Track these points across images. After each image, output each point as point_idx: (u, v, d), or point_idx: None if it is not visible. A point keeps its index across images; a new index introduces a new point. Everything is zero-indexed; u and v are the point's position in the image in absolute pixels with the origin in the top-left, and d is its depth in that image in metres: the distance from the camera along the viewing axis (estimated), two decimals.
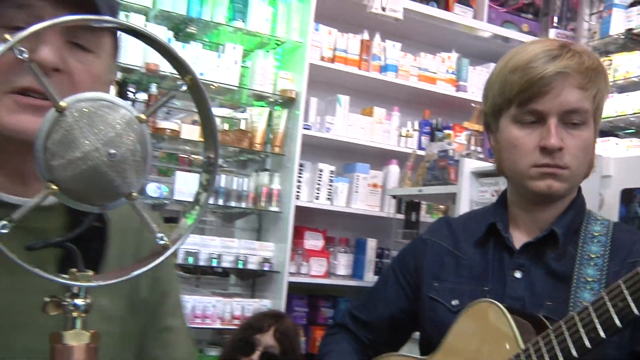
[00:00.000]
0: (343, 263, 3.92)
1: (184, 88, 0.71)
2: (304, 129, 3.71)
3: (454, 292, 1.37)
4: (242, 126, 3.70)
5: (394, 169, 3.98)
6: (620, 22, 4.27)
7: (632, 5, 4.24)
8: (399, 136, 4.09)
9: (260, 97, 3.79)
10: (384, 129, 4.03)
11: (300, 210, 3.70)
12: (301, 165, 3.74)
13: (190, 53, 3.48)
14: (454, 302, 1.35)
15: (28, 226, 0.84)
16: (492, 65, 4.23)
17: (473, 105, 3.74)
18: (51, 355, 0.67)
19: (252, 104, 3.82)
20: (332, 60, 3.85)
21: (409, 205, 3.65)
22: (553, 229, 1.29)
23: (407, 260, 1.50)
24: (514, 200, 1.38)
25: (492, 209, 1.44)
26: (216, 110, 3.95)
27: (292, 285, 3.63)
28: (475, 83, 4.27)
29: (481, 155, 3.34)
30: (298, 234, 3.79)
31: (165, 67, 3.36)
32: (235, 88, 3.63)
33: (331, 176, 3.88)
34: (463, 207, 2.97)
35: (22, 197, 0.91)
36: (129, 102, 3.42)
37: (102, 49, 0.94)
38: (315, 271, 3.79)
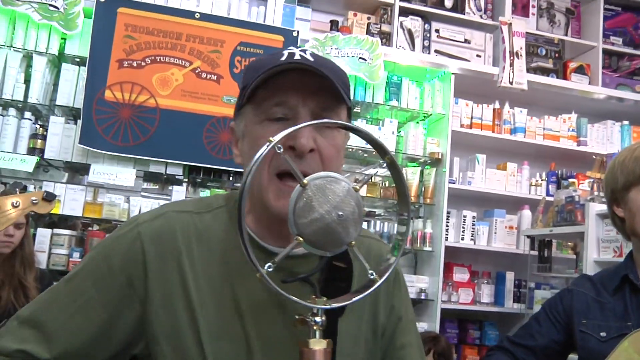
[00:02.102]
0: (486, 292, 3.83)
1: (385, 165, 0.81)
2: (450, 183, 3.72)
3: (601, 327, 1.44)
4: None
5: (526, 213, 3.87)
6: None
7: None
8: (530, 185, 3.99)
9: (413, 159, 3.86)
10: (517, 180, 3.95)
11: (449, 249, 3.69)
12: (448, 212, 3.74)
13: None
14: (602, 334, 1.43)
15: (293, 271, 0.92)
16: (610, 122, 4.10)
17: (594, 157, 3.59)
18: (300, 356, 0.77)
19: (406, 165, 3.90)
20: (470, 126, 3.86)
21: (541, 243, 3.53)
22: None
23: (557, 304, 1.57)
24: None
25: (622, 266, 1.51)
26: (381, 171, 4.08)
27: (444, 311, 3.61)
28: (595, 137, 4.09)
29: (604, 199, 3.19)
30: (448, 269, 3.77)
31: None
32: (393, 153, 3.74)
33: (473, 221, 3.84)
34: (591, 243, 2.86)
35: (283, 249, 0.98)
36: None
37: (337, 129, 0.95)
38: (463, 299, 3.74)
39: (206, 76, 3.43)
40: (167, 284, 0.91)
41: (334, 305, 0.79)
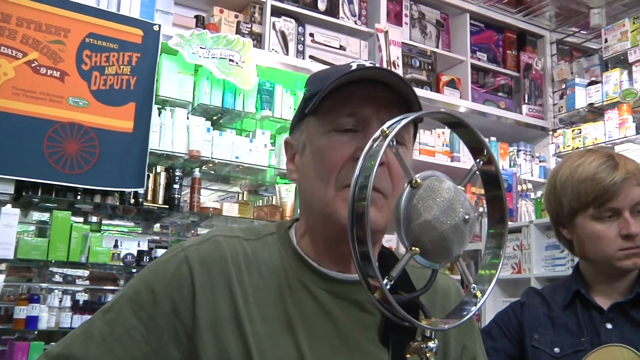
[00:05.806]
0: None
1: (481, 164, 0.76)
2: None
3: (554, 343, 1.45)
4: (274, 202, 3.59)
5: None
6: (582, 98, 4.37)
7: (590, 84, 4.36)
8: None
9: (285, 175, 3.69)
10: None
11: None
12: None
13: (227, 140, 3.39)
14: (556, 350, 1.43)
15: (350, 298, 0.92)
16: None
17: (477, 173, 3.71)
18: None
19: (276, 181, 3.72)
20: None
21: None
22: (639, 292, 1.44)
23: (510, 318, 1.57)
24: (593, 275, 1.50)
25: (571, 281, 1.54)
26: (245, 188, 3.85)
27: None
28: (466, 153, 4.25)
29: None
30: None
31: (206, 153, 3.27)
32: (266, 168, 3.53)
33: None
34: None
35: (342, 274, 0.94)
36: (177, 185, 3.29)
37: (409, 140, 0.95)
38: None
39: (46, 72, 2.95)
40: (217, 310, 0.88)
41: (449, 326, 0.74)
